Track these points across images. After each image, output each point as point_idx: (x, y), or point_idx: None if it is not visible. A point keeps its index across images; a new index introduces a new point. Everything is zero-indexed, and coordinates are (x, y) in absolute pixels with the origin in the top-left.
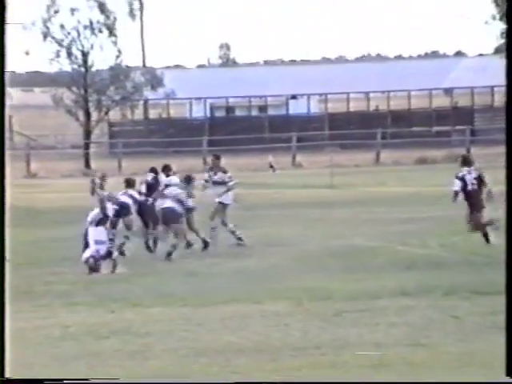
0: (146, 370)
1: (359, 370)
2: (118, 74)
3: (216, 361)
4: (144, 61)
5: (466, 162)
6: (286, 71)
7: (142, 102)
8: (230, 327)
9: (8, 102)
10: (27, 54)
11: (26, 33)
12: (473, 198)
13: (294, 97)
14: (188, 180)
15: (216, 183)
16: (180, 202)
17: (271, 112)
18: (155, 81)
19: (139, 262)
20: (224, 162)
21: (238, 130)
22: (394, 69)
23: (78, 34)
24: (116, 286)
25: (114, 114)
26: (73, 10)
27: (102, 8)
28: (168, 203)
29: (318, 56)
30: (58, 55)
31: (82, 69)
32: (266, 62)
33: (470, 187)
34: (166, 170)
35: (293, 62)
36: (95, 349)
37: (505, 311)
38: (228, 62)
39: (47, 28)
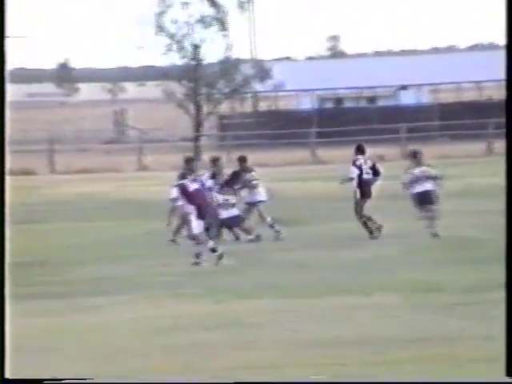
0: (255, 361)
1: (470, 363)
2: (228, 66)
3: (324, 353)
4: (254, 53)
5: (360, 149)
6: (396, 61)
7: (251, 95)
8: (339, 319)
9: (122, 96)
10: (140, 48)
11: (139, 28)
12: (365, 186)
13: (404, 87)
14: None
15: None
16: (434, 181)
17: (380, 103)
18: (264, 73)
19: (246, 252)
20: (332, 153)
21: (346, 121)
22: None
23: (190, 28)
24: (224, 278)
25: (224, 107)
26: (185, 4)
27: (213, 1)
28: (425, 186)
29: (428, 46)
30: (169, 49)
31: (193, 62)
32: (376, 53)
33: (365, 176)
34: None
35: (402, 52)
36: (204, 340)
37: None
38: (337, 53)
39: (160, 22)
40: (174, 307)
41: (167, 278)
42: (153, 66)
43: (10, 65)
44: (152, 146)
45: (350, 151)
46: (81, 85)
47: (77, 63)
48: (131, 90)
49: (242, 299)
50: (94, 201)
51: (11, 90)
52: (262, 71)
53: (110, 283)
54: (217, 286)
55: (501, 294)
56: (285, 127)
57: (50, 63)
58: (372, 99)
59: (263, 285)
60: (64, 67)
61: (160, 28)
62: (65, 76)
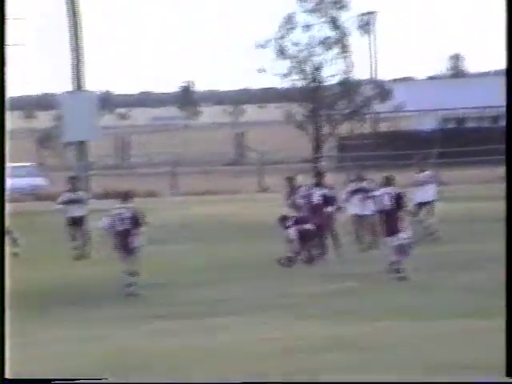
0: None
1: None
2: (348, 88)
3: (447, 376)
4: (374, 74)
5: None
6: None
7: (371, 116)
8: (461, 342)
9: (243, 118)
10: (262, 71)
11: (260, 51)
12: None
13: None
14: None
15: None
16: None
17: (504, 123)
18: (384, 94)
19: (367, 275)
20: (453, 174)
21: (468, 141)
22: None
23: (311, 50)
24: (345, 299)
25: (343, 128)
26: (307, 27)
27: (335, 23)
28: None
29: None
30: (290, 71)
31: (313, 84)
32: (497, 73)
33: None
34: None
35: None
36: (325, 362)
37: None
38: (459, 73)
39: (281, 45)
40: (296, 329)
41: (289, 299)
42: (273, 88)
43: (135, 89)
44: (272, 168)
45: (472, 172)
46: (203, 108)
47: (199, 86)
48: (252, 112)
49: (364, 321)
50: (215, 222)
51: (137, 114)
52: (382, 92)
53: (233, 304)
54: (338, 308)
55: None
56: (405, 148)
57: (173, 87)
58: (495, 119)
59: (385, 307)
60: (187, 90)
61: (281, 51)
62: (187, 99)
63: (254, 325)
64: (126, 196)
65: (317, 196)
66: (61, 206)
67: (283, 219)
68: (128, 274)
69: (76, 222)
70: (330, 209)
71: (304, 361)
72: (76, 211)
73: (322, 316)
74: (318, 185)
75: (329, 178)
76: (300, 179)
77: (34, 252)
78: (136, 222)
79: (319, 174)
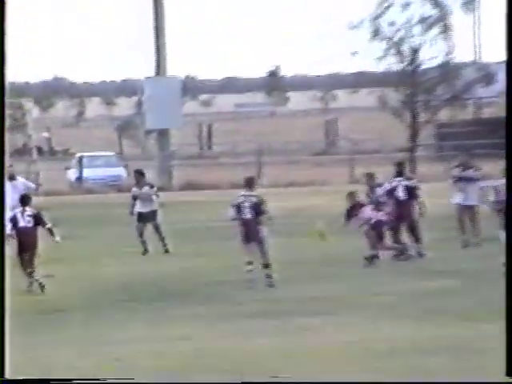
0: None
1: None
2: (449, 71)
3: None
4: (477, 56)
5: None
6: None
7: (473, 101)
8: None
9: (334, 105)
10: (355, 54)
11: (352, 32)
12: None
13: None
14: None
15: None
16: None
17: None
18: (488, 77)
19: (470, 272)
20: None
21: None
22: None
23: (409, 31)
24: (444, 299)
25: (443, 115)
26: (405, 6)
27: (436, 1)
28: None
29: None
30: (386, 54)
31: (411, 67)
32: None
33: None
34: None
35: None
36: (421, 365)
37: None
38: None
39: (377, 26)
40: (391, 329)
41: (382, 298)
42: (366, 72)
43: (219, 75)
44: (364, 158)
45: None
46: (290, 93)
47: (287, 71)
48: (343, 97)
49: (466, 322)
50: (303, 215)
51: (221, 101)
52: (487, 75)
53: (321, 303)
54: (437, 308)
55: None
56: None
57: (259, 72)
58: None
59: (489, 307)
60: (274, 75)
61: (376, 32)
62: (274, 85)
63: (346, 325)
64: (251, 183)
65: (398, 188)
66: (132, 201)
67: (351, 209)
68: (262, 267)
69: (144, 218)
70: (411, 201)
71: (408, 363)
72: (143, 207)
73: (419, 316)
74: (400, 175)
75: (426, 169)
76: (379, 175)
77: (103, 246)
78: (262, 210)
79: (401, 164)
